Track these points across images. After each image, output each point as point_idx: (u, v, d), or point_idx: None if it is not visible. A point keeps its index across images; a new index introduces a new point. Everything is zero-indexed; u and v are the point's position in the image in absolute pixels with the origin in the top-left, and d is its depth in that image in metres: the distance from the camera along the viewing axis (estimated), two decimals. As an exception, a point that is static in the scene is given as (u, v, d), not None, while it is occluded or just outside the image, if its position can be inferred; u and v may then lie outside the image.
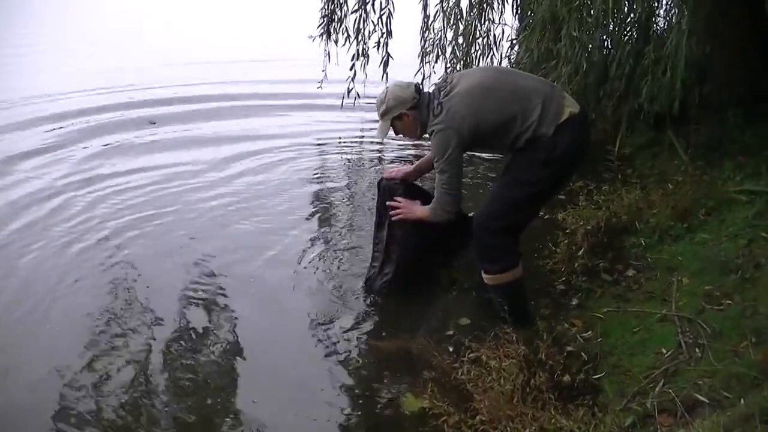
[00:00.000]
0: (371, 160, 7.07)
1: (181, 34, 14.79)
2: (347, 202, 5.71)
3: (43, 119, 7.78)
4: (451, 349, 3.39)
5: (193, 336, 3.60)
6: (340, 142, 7.68)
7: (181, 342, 3.53)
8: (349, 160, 7.08)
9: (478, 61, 7.56)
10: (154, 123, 7.79)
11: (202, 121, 8.11)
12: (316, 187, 6.05)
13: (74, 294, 3.99)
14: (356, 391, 3.22)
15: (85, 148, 6.85)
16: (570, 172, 3.59)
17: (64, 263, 4.34)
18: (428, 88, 3.83)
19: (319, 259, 4.51)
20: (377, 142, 7.50)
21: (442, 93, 3.43)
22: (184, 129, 7.77)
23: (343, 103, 7.35)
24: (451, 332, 3.57)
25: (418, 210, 3.71)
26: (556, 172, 3.38)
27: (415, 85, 3.62)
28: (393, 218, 3.80)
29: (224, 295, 4.00)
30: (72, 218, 5.04)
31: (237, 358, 3.44)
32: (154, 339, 3.54)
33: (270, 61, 11.88)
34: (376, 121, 3.72)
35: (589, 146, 3.61)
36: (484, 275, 3.50)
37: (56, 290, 4.00)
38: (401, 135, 3.74)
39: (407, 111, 3.54)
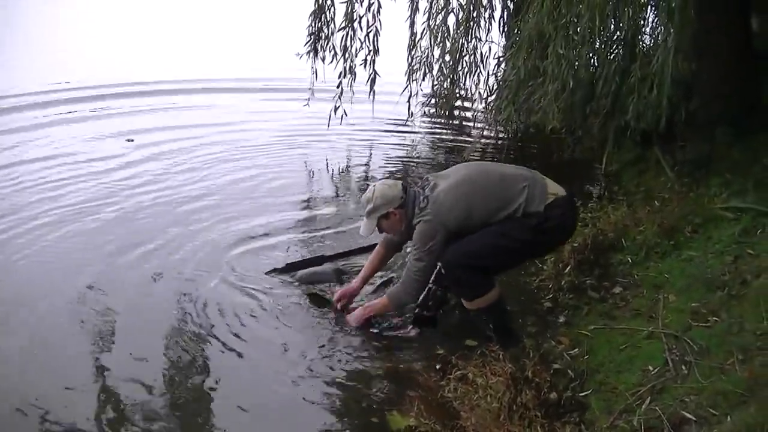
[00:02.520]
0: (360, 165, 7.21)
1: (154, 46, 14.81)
2: (329, 218, 5.66)
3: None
4: (438, 367, 3.36)
5: (171, 363, 3.50)
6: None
7: (157, 370, 3.40)
8: (336, 169, 7.18)
9: (465, 78, 7.59)
10: (132, 140, 7.66)
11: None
12: (300, 197, 6.13)
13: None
14: (341, 410, 3.19)
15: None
16: (556, 243, 3.71)
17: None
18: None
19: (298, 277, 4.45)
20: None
21: (426, 189, 3.46)
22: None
23: (330, 122, 7.32)
24: (441, 352, 3.50)
25: (368, 309, 3.74)
26: (543, 241, 3.49)
27: (402, 184, 3.62)
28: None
29: (200, 319, 3.89)
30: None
31: (217, 383, 3.34)
32: (128, 368, 3.41)
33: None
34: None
35: (576, 227, 3.75)
36: (463, 301, 3.53)
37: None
38: (385, 233, 3.75)
39: (395, 209, 3.55)
